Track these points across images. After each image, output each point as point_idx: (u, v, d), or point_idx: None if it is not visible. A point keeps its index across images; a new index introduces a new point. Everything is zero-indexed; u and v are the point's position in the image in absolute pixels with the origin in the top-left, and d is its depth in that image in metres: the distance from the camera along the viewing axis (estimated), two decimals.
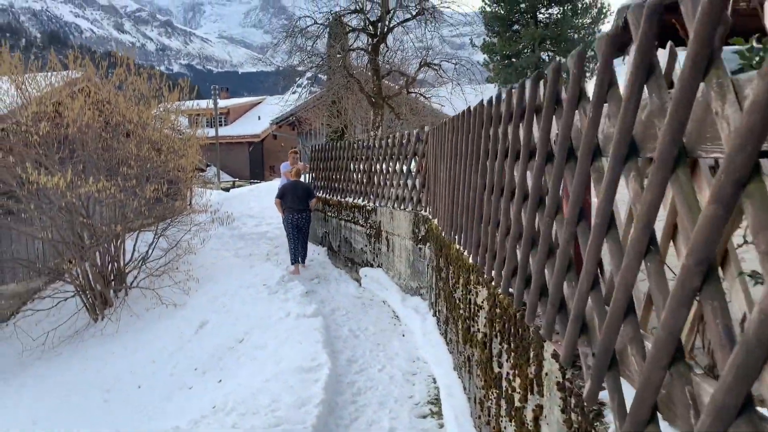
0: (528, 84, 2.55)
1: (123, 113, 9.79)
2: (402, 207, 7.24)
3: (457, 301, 4.32)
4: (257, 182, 31.80)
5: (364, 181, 8.76)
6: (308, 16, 21.66)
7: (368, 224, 8.41)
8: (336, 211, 9.93)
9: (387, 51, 22.24)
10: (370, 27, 21.39)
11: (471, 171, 3.88)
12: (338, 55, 20.52)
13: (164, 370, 7.25)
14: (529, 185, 2.48)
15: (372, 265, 8.36)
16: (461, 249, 4.24)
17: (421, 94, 22.57)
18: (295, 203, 9.28)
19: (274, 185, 15.09)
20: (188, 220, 11.88)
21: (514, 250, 2.72)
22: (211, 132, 40.04)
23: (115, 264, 10.41)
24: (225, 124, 45.49)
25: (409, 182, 7.06)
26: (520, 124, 2.65)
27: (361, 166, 8.90)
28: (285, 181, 11.54)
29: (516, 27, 39.70)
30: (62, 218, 9.46)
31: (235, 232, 13.89)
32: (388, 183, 7.78)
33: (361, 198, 8.84)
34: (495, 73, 37.00)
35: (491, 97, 3.39)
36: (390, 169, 7.73)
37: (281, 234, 13.06)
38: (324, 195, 10.74)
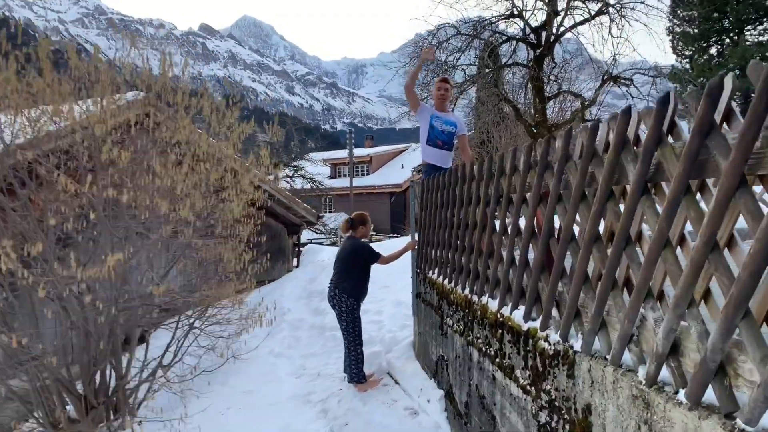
0: None
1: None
2: None
3: None
4: (396, 236, 27.27)
5: (531, 261, 3.11)
6: (450, 25, 16.50)
7: (540, 390, 2.79)
8: (462, 321, 4.37)
9: (553, 67, 16.59)
10: (532, 35, 15.93)
11: None
12: (487, 70, 15.08)
13: None
14: None
15: None
16: None
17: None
18: (335, 271, 6.07)
19: None
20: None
21: None
22: (346, 182, 36.81)
23: (112, 380, 5.92)
24: (367, 173, 42.51)
25: None
26: None
27: (530, 222, 3.26)
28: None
29: (714, 49, 32.54)
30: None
31: (318, 320, 9.01)
32: (642, 276, 2.14)
33: (525, 303, 3.20)
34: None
35: None
36: (651, 231, 2.10)
37: (381, 330, 7.81)
38: (440, 278, 5.20)
